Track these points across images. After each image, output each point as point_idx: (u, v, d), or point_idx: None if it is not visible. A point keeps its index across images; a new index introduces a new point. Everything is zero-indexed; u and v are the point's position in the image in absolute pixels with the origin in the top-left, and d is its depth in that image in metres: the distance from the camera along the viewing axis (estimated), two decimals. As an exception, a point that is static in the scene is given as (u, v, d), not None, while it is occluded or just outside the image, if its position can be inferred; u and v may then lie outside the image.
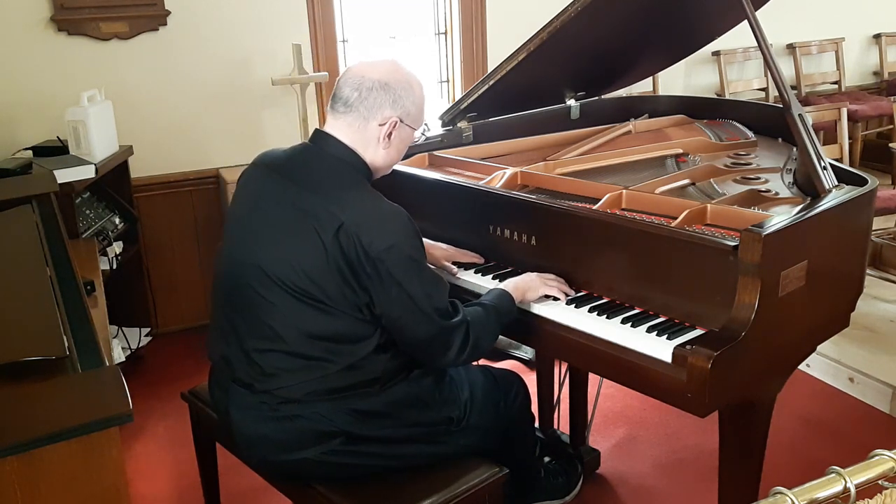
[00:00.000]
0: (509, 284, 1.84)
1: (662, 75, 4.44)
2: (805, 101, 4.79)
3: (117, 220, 3.28)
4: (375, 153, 1.75)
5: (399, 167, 2.29)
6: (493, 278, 1.95)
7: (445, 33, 4.18)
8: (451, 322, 1.70)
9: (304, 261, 1.62)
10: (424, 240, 1.78)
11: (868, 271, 2.38)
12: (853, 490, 0.82)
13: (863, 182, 1.85)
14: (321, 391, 1.66)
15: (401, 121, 1.74)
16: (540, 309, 1.83)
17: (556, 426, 2.66)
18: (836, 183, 1.83)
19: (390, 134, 1.73)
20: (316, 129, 1.78)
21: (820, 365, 3.05)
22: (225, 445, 2.01)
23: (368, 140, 1.73)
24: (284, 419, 1.68)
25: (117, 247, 3.17)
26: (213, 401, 1.87)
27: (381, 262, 1.60)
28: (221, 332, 1.78)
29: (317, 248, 1.61)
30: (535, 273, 1.88)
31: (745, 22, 1.94)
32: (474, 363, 1.96)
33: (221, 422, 1.82)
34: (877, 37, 5.34)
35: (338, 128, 1.74)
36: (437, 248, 2.04)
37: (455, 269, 2.02)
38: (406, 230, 1.65)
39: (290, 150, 1.79)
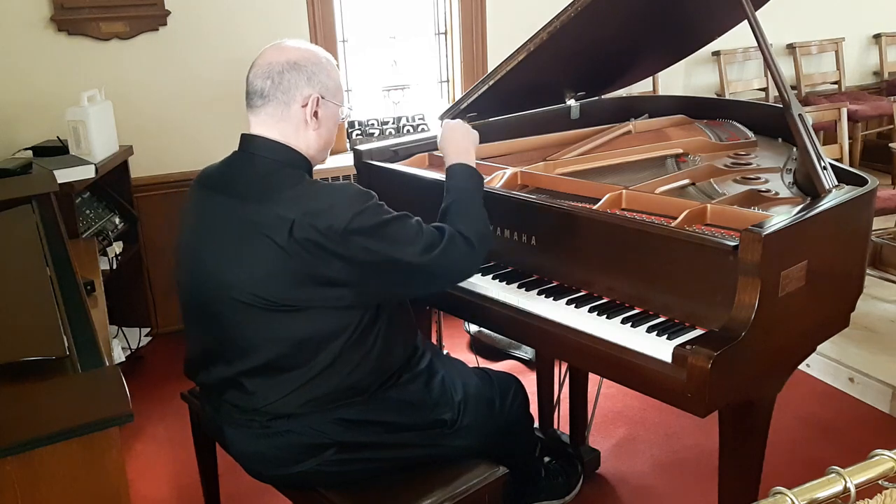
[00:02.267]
0: (451, 159, 1.82)
1: (662, 75, 4.44)
2: (805, 101, 4.79)
3: (117, 220, 3.28)
4: (307, 137, 1.68)
5: (399, 167, 2.30)
6: (494, 278, 1.95)
7: (445, 33, 4.18)
8: (438, 246, 1.62)
9: (266, 270, 1.56)
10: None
11: (868, 271, 2.38)
12: (853, 490, 0.82)
13: (863, 182, 1.85)
14: (308, 402, 1.64)
15: (322, 97, 1.68)
16: (540, 309, 1.82)
17: (556, 426, 2.66)
18: (836, 183, 1.83)
19: (316, 113, 1.67)
20: (242, 134, 1.71)
21: (820, 365, 3.05)
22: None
23: (296, 126, 1.67)
24: (276, 435, 1.66)
25: (117, 247, 3.17)
26: (205, 419, 1.86)
27: (346, 235, 1.54)
28: (198, 357, 1.76)
29: (274, 253, 1.55)
30: (453, 124, 1.88)
31: (745, 22, 1.94)
32: (473, 364, 1.97)
33: (217, 438, 1.83)
34: (877, 37, 5.34)
35: (262, 123, 1.68)
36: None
37: None
38: (356, 198, 1.59)
39: (223, 162, 1.73)
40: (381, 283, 1.62)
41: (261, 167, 1.65)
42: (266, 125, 1.68)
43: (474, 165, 1.82)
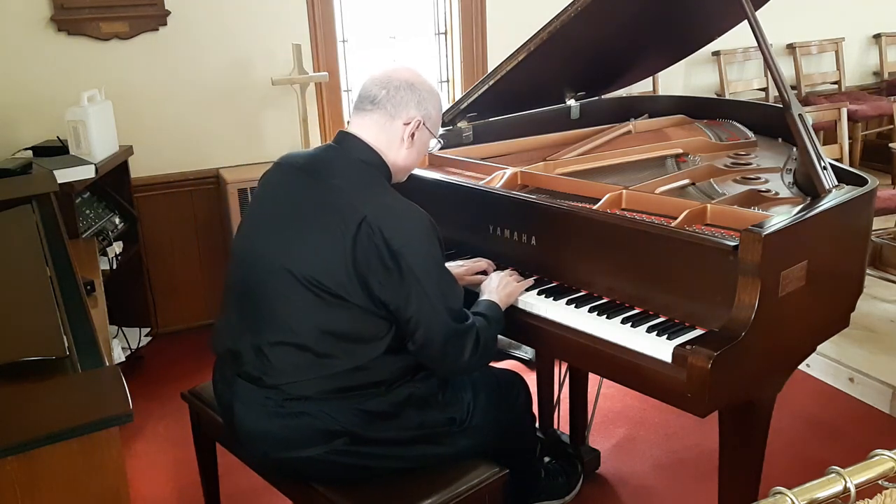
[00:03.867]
0: (494, 296, 1.84)
1: (662, 75, 4.44)
2: (805, 101, 4.79)
3: (117, 220, 3.28)
4: (398, 153, 1.77)
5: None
6: (493, 278, 1.95)
7: (445, 33, 4.18)
8: (463, 325, 1.70)
9: (325, 255, 1.63)
10: None
11: (868, 271, 2.38)
12: (853, 490, 0.82)
13: (863, 182, 1.85)
14: (329, 389, 1.66)
15: (423, 123, 1.77)
16: (540, 309, 1.83)
17: (556, 426, 2.66)
18: (836, 183, 1.83)
19: (413, 135, 1.77)
20: (340, 131, 1.81)
21: (820, 365, 3.05)
22: (225, 444, 2.01)
23: (392, 139, 1.76)
24: (290, 416, 1.68)
25: (117, 247, 3.17)
26: (216, 395, 1.86)
27: (401, 255, 1.61)
28: (232, 324, 1.78)
29: (338, 241, 1.62)
30: (503, 275, 1.89)
31: (745, 22, 1.94)
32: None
33: (224, 417, 1.82)
34: (877, 37, 5.34)
35: (363, 126, 1.76)
36: (452, 268, 1.99)
37: (480, 279, 1.96)
38: (428, 229, 1.68)
39: (313, 151, 1.83)
40: (406, 303, 1.65)
41: (350, 161, 1.74)
42: (367, 129, 1.76)
43: (504, 307, 1.84)
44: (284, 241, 1.69)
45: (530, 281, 1.91)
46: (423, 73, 1.82)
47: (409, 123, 1.76)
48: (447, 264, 1.91)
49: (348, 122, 1.84)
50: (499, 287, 1.86)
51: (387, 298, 1.64)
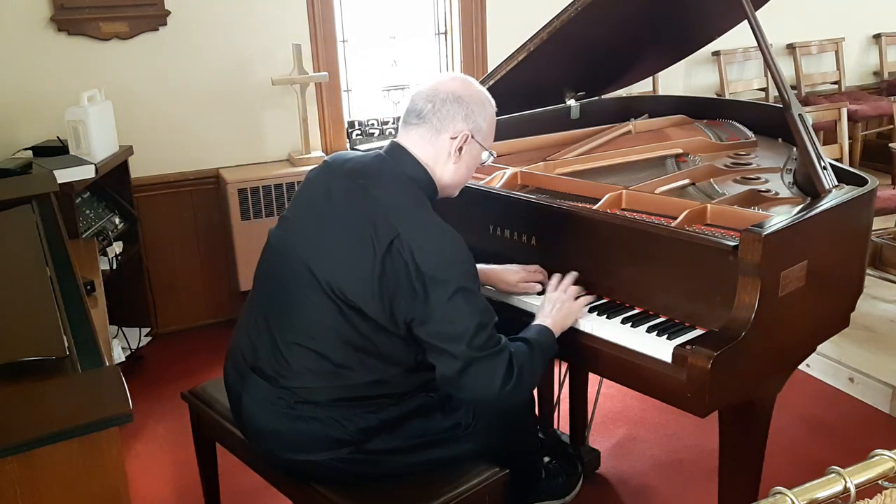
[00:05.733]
0: (547, 320, 1.76)
1: (662, 75, 4.44)
2: (805, 101, 4.78)
3: (117, 220, 3.28)
4: (445, 168, 1.73)
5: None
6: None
7: (445, 33, 4.18)
8: (491, 351, 1.61)
9: (352, 266, 1.60)
10: (495, 266, 1.77)
11: (868, 271, 2.38)
12: (853, 490, 0.82)
13: (863, 182, 1.85)
14: (342, 398, 1.65)
15: (472, 136, 1.72)
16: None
17: (556, 426, 2.66)
18: (836, 183, 1.83)
19: (461, 149, 1.71)
20: (392, 141, 1.76)
21: (820, 365, 3.05)
22: (225, 444, 2.01)
23: (439, 154, 1.71)
24: (299, 419, 1.67)
25: (117, 247, 3.17)
26: (226, 384, 1.85)
27: (430, 279, 1.56)
28: (255, 318, 1.77)
29: (367, 255, 1.58)
30: (558, 295, 1.80)
31: (745, 22, 1.94)
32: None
33: (233, 406, 1.82)
34: (877, 37, 5.34)
35: (411, 141, 1.72)
36: (508, 273, 1.92)
37: (536, 287, 1.91)
38: (461, 254, 1.62)
39: (362, 156, 1.78)
40: (429, 328, 1.60)
41: (396, 175, 1.70)
42: (415, 144, 1.72)
43: (558, 333, 1.77)
44: (315, 242, 1.67)
45: (590, 297, 1.81)
46: (473, 83, 1.76)
47: (456, 137, 1.70)
48: (502, 266, 1.89)
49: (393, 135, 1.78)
50: (553, 310, 1.77)
51: (409, 318, 1.60)
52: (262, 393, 1.71)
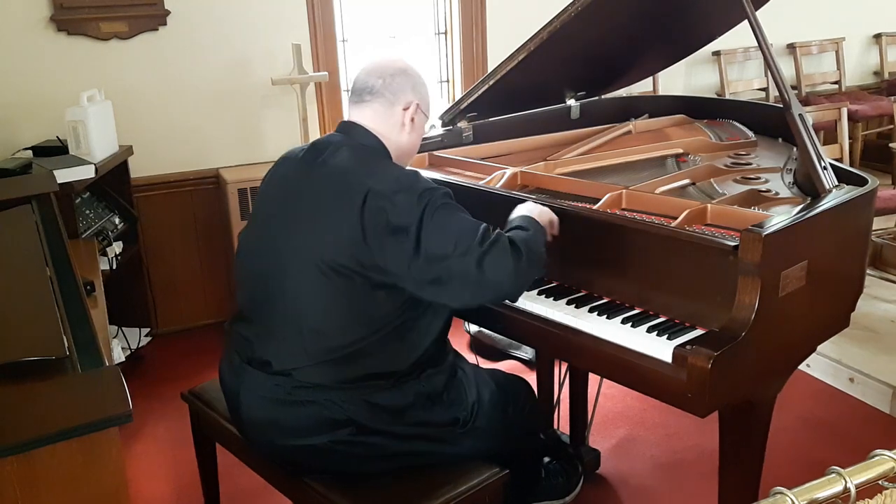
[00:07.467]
0: (522, 210, 1.81)
1: (662, 75, 4.44)
2: (805, 101, 4.79)
3: (117, 220, 3.28)
4: (399, 139, 1.82)
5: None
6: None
7: (445, 33, 4.18)
8: (492, 239, 1.63)
9: (334, 233, 1.65)
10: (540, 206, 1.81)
11: (868, 271, 2.38)
12: (853, 490, 0.82)
13: (863, 182, 1.85)
14: (337, 379, 1.68)
15: (419, 106, 1.83)
16: (540, 309, 1.82)
17: (556, 426, 2.66)
18: (837, 183, 1.83)
19: (413, 119, 1.81)
20: (342, 121, 1.85)
21: (820, 365, 3.05)
22: (225, 444, 2.01)
23: (393, 125, 1.80)
24: (297, 404, 1.69)
25: (117, 247, 3.17)
26: (222, 385, 1.87)
27: (409, 213, 1.62)
28: (245, 317, 1.81)
29: (346, 217, 1.63)
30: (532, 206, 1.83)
31: (745, 22, 1.94)
32: (484, 367, 1.97)
33: (230, 405, 1.83)
34: (877, 37, 5.34)
35: (365, 116, 1.81)
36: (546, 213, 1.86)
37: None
38: (430, 184, 1.68)
39: (317, 141, 1.86)
40: (434, 248, 1.62)
41: (353, 145, 1.77)
42: (369, 119, 1.81)
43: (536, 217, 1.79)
44: (292, 225, 1.72)
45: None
46: (406, 58, 1.88)
47: (408, 108, 1.80)
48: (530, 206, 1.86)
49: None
50: (524, 206, 1.83)
51: (405, 260, 1.61)
52: (259, 383, 1.72)
